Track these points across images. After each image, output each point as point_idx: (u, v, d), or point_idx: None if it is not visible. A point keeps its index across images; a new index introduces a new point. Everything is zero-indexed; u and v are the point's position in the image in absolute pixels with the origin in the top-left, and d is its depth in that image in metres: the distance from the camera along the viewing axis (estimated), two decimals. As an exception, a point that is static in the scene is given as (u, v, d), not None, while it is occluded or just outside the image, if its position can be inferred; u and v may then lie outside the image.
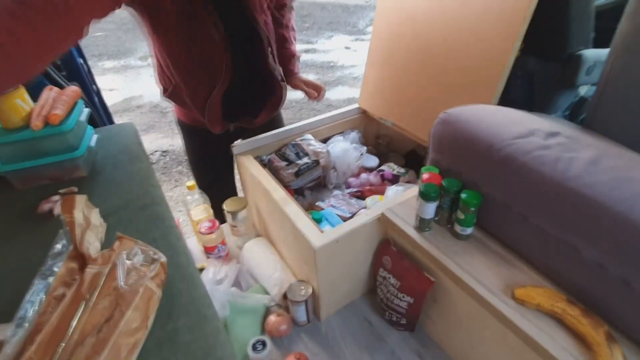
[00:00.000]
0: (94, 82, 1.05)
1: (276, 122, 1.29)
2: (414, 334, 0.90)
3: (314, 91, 1.23)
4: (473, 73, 0.94)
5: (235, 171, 1.24)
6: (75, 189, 0.62)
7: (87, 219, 0.46)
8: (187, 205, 1.10)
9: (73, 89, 0.68)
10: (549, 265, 0.64)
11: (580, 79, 0.95)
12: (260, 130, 1.18)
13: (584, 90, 1.09)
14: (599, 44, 0.97)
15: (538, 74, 1.00)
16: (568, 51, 0.93)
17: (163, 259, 0.48)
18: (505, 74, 0.87)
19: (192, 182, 1.06)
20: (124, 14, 0.89)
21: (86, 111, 0.70)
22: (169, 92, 1.06)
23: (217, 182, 1.29)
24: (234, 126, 1.18)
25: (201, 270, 1.05)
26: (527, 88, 1.05)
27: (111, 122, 1.11)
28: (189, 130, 1.21)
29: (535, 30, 0.83)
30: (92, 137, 0.71)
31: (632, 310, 0.53)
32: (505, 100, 1.02)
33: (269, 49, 1.05)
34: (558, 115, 1.10)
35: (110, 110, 1.30)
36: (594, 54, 0.93)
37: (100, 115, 1.06)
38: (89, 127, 0.71)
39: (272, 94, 1.16)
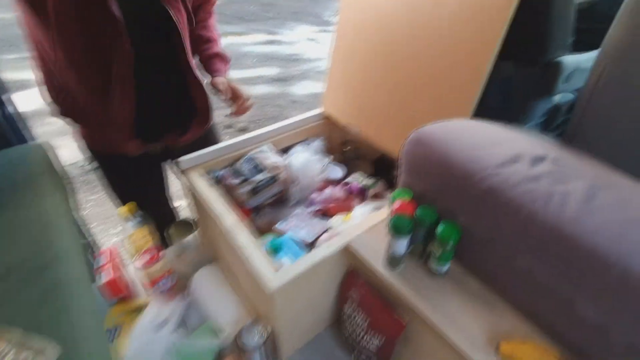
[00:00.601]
0: (4, 92, 0.84)
1: (211, 137, 1.15)
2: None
3: (231, 98, 1.02)
4: (447, 78, 0.85)
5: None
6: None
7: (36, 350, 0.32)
8: (125, 231, 0.94)
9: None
10: (538, 314, 0.56)
11: (559, 86, 0.88)
12: (194, 148, 0.99)
13: (558, 96, 1.03)
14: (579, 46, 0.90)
15: (515, 80, 0.93)
16: (547, 56, 0.85)
17: (51, 355, 0.34)
18: (482, 80, 0.78)
19: (126, 206, 0.90)
20: None
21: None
22: (65, 106, 0.87)
23: (152, 209, 1.10)
24: (160, 146, 1.02)
25: (143, 306, 0.90)
26: (503, 95, 0.97)
27: (21, 138, 0.90)
28: (106, 160, 1.02)
29: (513, 33, 0.74)
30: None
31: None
32: (480, 107, 0.93)
33: (185, 44, 0.90)
34: (532, 125, 1.03)
35: (34, 111, 1.08)
36: (573, 60, 0.87)
37: (14, 127, 0.85)
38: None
39: (197, 102, 1.01)
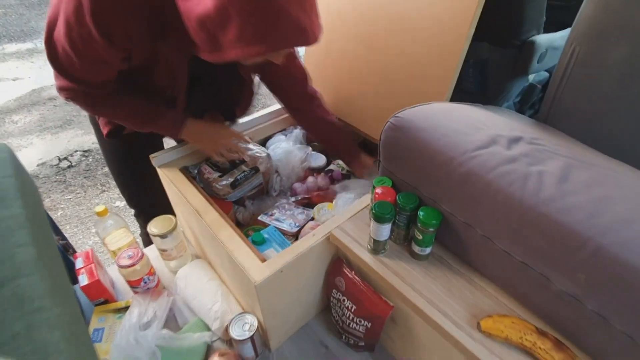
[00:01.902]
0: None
1: None
2: (374, 354, 0.83)
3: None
4: (424, 62, 0.84)
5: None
6: None
7: None
8: (99, 234, 0.91)
9: None
10: (517, 290, 0.57)
11: (533, 66, 0.89)
12: None
13: (532, 75, 1.04)
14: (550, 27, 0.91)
15: (491, 62, 0.93)
16: (521, 37, 0.86)
17: None
18: (458, 63, 0.78)
19: (101, 207, 0.87)
20: None
21: None
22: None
23: (149, 197, 1.09)
24: None
25: (128, 307, 0.89)
26: (480, 76, 0.97)
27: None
28: (119, 143, 1.00)
29: (487, 16, 0.74)
30: None
31: (610, 344, 0.47)
32: (458, 89, 0.93)
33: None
34: (509, 105, 1.05)
35: (16, 104, 1.03)
36: (546, 40, 0.87)
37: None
38: None
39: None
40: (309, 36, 0.62)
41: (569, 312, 0.49)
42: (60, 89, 0.78)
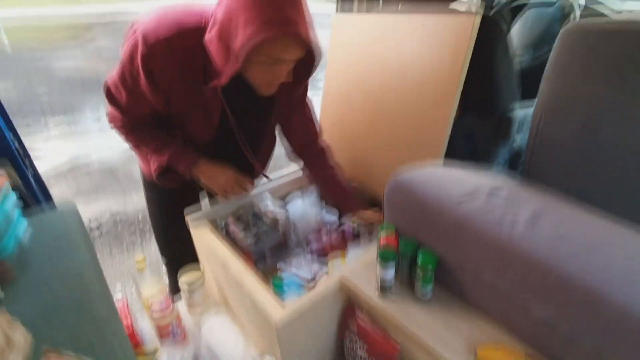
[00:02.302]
0: (27, 156, 0.98)
1: None
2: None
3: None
4: (420, 131, 1.00)
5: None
6: (1, 295, 0.55)
7: (8, 339, 0.41)
8: (136, 282, 1.02)
9: (-2, 175, 0.62)
10: (506, 320, 0.65)
11: (514, 132, 1.05)
12: None
13: (517, 142, 1.19)
14: (526, 96, 1.08)
15: (477, 131, 1.09)
16: (499, 110, 1.02)
17: None
18: (447, 130, 0.94)
19: (141, 255, 0.99)
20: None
21: (13, 199, 0.64)
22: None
23: (181, 246, 1.21)
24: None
25: (155, 353, 0.96)
26: (469, 143, 1.13)
27: (47, 197, 1.03)
28: (152, 186, 1.16)
29: (470, 93, 0.92)
30: (23, 229, 0.65)
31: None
32: (453, 155, 1.08)
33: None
34: (500, 167, 1.18)
35: (54, 172, 1.21)
36: (522, 112, 1.04)
37: (35, 194, 0.97)
38: (20, 218, 0.65)
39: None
40: (299, 30, 0.74)
41: (548, 337, 0.57)
42: (109, 116, 0.97)
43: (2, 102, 0.94)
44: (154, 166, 1.04)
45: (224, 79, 0.81)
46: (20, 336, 0.43)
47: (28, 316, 0.51)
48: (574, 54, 0.71)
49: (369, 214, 1.15)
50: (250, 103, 0.98)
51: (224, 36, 0.77)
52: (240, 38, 0.74)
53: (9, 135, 0.90)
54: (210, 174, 1.04)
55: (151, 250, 2.28)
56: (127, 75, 0.86)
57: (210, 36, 0.80)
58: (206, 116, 0.96)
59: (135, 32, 0.82)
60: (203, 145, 1.03)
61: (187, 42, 0.82)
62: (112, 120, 0.98)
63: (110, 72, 0.90)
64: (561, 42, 0.73)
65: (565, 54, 0.73)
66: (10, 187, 0.63)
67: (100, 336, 0.51)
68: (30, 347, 0.43)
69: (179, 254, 1.22)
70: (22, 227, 0.63)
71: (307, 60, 0.86)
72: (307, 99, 1.14)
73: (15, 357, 0.40)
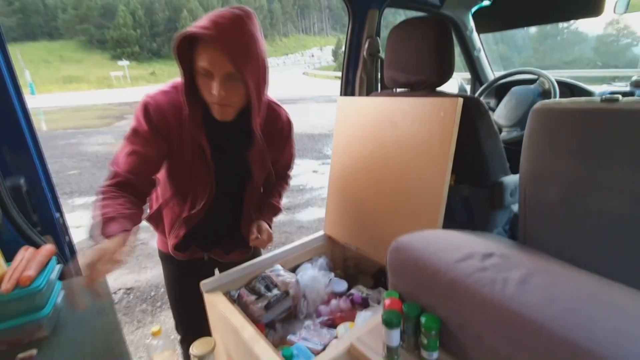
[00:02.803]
0: (67, 234, 1.10)
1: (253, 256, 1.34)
2: None
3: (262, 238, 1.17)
4: (418, 201, 1.09)
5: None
6: (35, 352, 0.61)
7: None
8: (149, 352, 1.04)
9: (47, 248, 0.72)
10: (512, 386, 0.65)
11: (507, 200, 1.12)
12: (235, 262, 1.24)
13: (516, 207, 1.26)
14: (514, 168, 1.17)
15: (473, 198, 1.17)
16: (491, 180, 1.11)
17: None
18: (443, 199, 1.02)
19: (157, 326, 1.03)
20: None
21: (58, 268, 0.73)
22: (150, 214, 1.16)
23: (195, 317, 1.24)
24: (207, 256, 1.23)
25: None
26: (467, 209, 1.20)
27: (79, 270, 1.12)
28: (168, 260, 1.25)
29: (461, 164, 1.01)
30: (59, 294, 0.72)
31: None
32: (452, 221, 1.15)
33: (252, 197, 1.18)
34: (499, 231, 1.23)
35: (78, 247, 1.30)
36: (512, 180, 1.12)
37: (69, 265, 1.07)
38: (58, 283, 0.73)
39: (245, 235, 1.21)
40: (225, 44, 0.81)
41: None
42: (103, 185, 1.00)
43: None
44: (172, 242, 1.13)
45: (185, 104, 0.92)
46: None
47: (59, 375, 0.56)
48: (542, 132, 0.82)
49: (264, 227, 1.17)
50: (230, 148, 1.06)
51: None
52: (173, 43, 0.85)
53: (56, 215, 1.03)
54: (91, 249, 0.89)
55: (162, 322, 2.28)
56: (132, 132, 0.96)
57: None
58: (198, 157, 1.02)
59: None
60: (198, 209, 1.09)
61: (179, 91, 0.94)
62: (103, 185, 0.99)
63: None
64: (530, 121, 0.84)
65: (534, 132, 0.83)
66: (56, 260, 0.73)
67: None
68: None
69: (192, 328, 1.24)
70: (57, 291, 0.71)
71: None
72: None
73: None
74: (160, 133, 0.96)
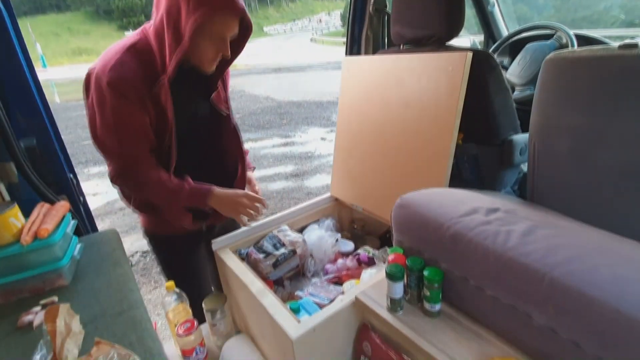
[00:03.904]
0: (81, 194, 1.13)
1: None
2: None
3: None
4: (424, 160, 1.08)
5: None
6: (56, 299, 0.65)
7: (67, 326, 0.49)
8: (165, 306, 1.09)
9: (62, 204, 0.75)
10: (511, 333, 0.67)
11: (517, 159, 1.10)
12: (231, 227, 1.24)
13: (525, 167, 1.24)
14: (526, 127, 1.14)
15: (481, 157, 1.15)
16: (500, 138, 1.09)
17: None
18: (449, 158, 1.00)
19: (170, 282, 1.08)
20: None
21: (73, 223, 0.76)
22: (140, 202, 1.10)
23: (196, 284, 1.29)
24: (205, 225, 1.21)
25: (180, 376, 1.01)
26: (475, 169, 1.19)
27: (94, 228, 1.17)
28: (160, 241, 1.24)
29: (470, 122, 0.99)
30: (76, 247, 0.76)
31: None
32: (460, 180, 1.14)
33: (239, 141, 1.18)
34: (508, 191, 1.22)
35: (94, 213, 1.34)
36: (522, 138, 1.10)
37: (85, 224, 1.11)
38: (74, 237, 0.76)
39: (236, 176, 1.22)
40: (236, 5, 0.88)
41: (551, 345, 0.59)
42: (113, 177, 0.98)
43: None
44: (187, 219, 1.10)
45: (172, 66, 0.89)
46: (77, 326, 0.51)
47: (79, 319, 0.60)
48: (554, 83, 0.79)
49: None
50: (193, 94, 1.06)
51: (171, 22, 0.86)
52: (193, 19, 0.83)
53: (69, 176, 1.07)
54: (227, 201, 1.07)
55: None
56: (107, 115, 0.90)
57: (155, 26, 0.90)
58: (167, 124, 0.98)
59: (92, 80, 0.91)
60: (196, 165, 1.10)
61: (138, 55, 0.91)
62: (114, 177, 0.99)
63: (91, 132, 0.95)
64: (542, 73, 0.81)
65: (546, 84, 0.80)
66: (70, 215, 0.75)
67: (138, 337, 0.59)
68: (82, 338, 0.51)
69: (198, 296, 1.22)
70: (75, 244, 0.75)
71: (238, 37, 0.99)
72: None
73: (71, 343, 0.48)
74: (145, 107, 0.93)
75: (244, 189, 1.21)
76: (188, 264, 1.25)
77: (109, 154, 0.97)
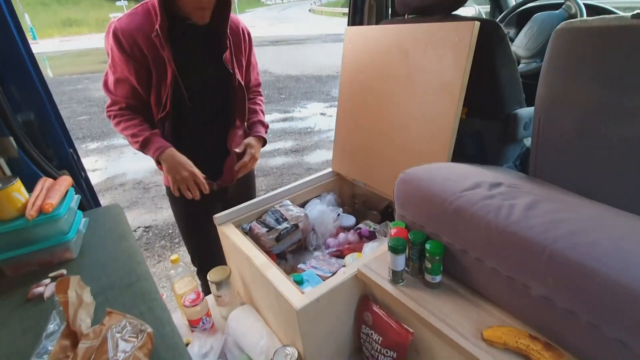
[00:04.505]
0: (82, 169, 1.13)
1: (250, 183, 1.42)
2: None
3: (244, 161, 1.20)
4: (427, 135, 1.07)
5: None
6: (64, 272, 0.66)
7: (79, 297, 0.50)
8: (170, 279, 1.12)
9: (65, 179, 0.75)
10: (509, 303, 0.69)
11: (521, 133, 1.09)
12: (238, 194, 1.30)
13: (528, 141, 1.23)
14: (530, 101, 1.13)
15: (485, 132, 1.14)
16: (505, 112, 1.07)
17: (149, 329, 0.52)
18: (453, 133, 0.99)
19: (175, 255, 1.10)
20: (106, 98, 1.11)
21: (76, 197, 0.76)
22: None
23: (208, 249, 1.32)
24: (216, 185, 1.23)
25: (187, 344, 1.04)
26: (478, 144, 1.18)
27: (97, 203, 1.17)
28: (177, 198, 1.24)
29: (474, 96, 0.98)
30: (82, 221, 0.76)
31: (584, 338, 0.58)
32: (463, 155, 1.13)
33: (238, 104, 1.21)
34: (509, 166, 1.22)
35: (95, 189, 1.35)
36: (527, 112, 1.08)
37: (88, 199, 1.12)
38: (79, 211, 0.77)
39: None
40: None
41: (548, 315, 0.61)
42: (107, 108, 1.11)
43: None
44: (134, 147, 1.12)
45: (160, 14, 0.95)
46: (88, 297, 0.52)
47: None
48: (564, 54, 0.77)
49: (249, 150, 1.21)
50: (200, 52, 1.11)
51: None
52: None
53: (69, 151, 1.06)
54: (172, 164, 1.07)
55: (181, 256, 2.42)
56: (111, 59, 1.03)
57: None
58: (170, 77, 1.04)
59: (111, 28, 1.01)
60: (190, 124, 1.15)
61: (148, 9, 1.01)
62: (107, 109, 1.11)
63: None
64: (552, 44, 0.79)
65: (555, 55, 0.78)
66: (74, 190, 0.75)
67: (148, 307, 0.61)
68: (93, 308, 0.53)
69: (207, 260, 1.31)
70: (80, 218, 0.75)
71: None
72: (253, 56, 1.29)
73: (84, 313, 0.49)
74: (135, 58, 1.02)
75: (237, 143, 1.22)
76: (202, 227, 1.27)
77: (104, 88, 1.10)
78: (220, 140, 1.23)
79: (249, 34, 1.24)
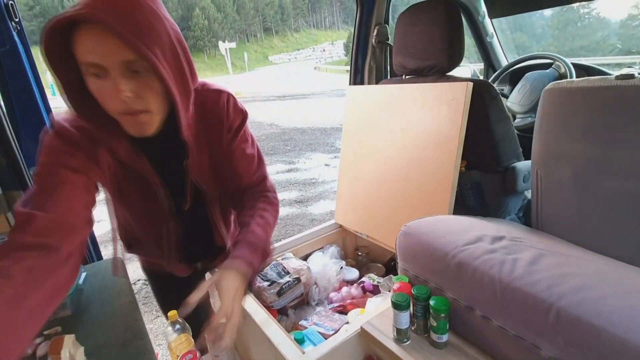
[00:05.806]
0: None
1: None
2: None
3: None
4: (429, 189, 1.08)
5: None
6: (59, 329, 0.64)
7: (72, 358, 0.49)
8: (167, 336, 1.07)
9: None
10: (521, 366, 0.66)
11: (520, 186, 1.10)
12: None
13: (529, 193, 1.24)
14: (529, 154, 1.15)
15: (485, 184, 1.15)
16: (503, 165, 1.10)
17: None
18: (453, 186, 1.01)
19: (173, 312, 1.06)
20: None
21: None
22: (130, 245, 1.03)
23: (198, 317, 1.25)
24: (200, 264, 1.15)
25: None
26: (479, 196, 1.19)
27: (99, 256, 1.17)
28: (156, 276, 1.17)
29: (472, 150, 1.01)
30: (81, 276, 0.76)
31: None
32: (464, 207, 1.14)
33: (214, 210, 0.98)
34: (512, 218, 1.22)
35: (98, 240, 1.35)
36: (525, 165, 1.10)
37: (90, 251, 1.12)
38: (80, 266, 0.77)
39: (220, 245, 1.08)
40: (104, 17, 0.56)
41: (563, 379, 0.58)
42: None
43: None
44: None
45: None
46: (81, 358, 0.51)
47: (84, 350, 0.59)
48: (554, 113, 0.80)
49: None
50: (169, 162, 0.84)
51: None
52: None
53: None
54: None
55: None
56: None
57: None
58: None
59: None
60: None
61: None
62: None
63: None
64: (542, 103, 0.83)
65: (546, 114, 0.82)
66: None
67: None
68: (85, 370, 0.51)
69: (201, 325, 1.19)
70: (80, 274, 0.75)
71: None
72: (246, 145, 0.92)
73: (74, 375, 0.47)
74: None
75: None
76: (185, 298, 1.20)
77: None
78: (204, 242, 1.05)
79: (237, 119, 0.87)
